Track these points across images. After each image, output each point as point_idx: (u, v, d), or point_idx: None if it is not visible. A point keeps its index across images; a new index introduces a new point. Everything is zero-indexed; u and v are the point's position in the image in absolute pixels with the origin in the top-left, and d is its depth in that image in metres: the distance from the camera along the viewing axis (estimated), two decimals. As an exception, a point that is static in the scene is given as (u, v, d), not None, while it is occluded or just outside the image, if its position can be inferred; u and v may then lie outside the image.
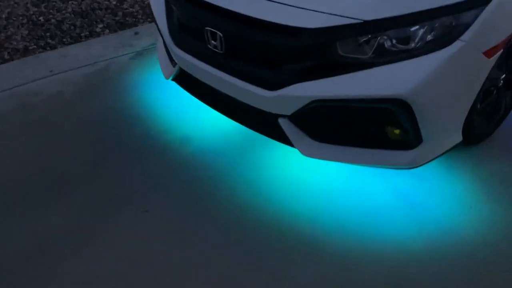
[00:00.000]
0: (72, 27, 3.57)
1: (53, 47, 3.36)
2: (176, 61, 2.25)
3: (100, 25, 3.60)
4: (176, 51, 2.17)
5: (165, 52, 2.58)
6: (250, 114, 1.97)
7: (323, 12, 1.67)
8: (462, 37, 1.60)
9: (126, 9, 3.81)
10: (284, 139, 1.90)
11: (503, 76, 2.07)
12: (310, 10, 1.69)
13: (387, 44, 1.65)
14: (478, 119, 2.02)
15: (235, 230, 1.84)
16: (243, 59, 1.88)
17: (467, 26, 1.61)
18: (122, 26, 3.60)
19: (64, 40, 3.44)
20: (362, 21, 1.63)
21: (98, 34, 3.51)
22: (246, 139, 2.32)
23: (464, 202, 1.89)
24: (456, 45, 1.61)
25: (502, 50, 1.78)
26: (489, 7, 1.62)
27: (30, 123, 2.58)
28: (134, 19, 3.68)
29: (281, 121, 1.87)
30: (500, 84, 2.09)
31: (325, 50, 1.69)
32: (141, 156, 2.27)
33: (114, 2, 3.89)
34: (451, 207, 1.88)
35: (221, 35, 1.87)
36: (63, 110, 2.68)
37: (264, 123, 1.95)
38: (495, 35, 1.71)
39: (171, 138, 2.38)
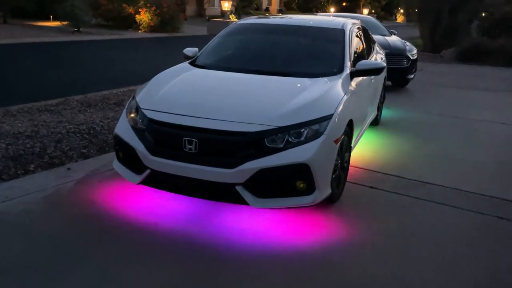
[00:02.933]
0: (7, 168, 4.21)
1: (-7, 183, 3.93)
2: (151, 166, 3.34)
3: (32, 165, 4.33)
4: (154, 159, 3.30)
5: (125, 168, 3.63)
6: (213, 188, 3.19)
7: (256, 123, 3.16)
8: (324, 132, 3.26)
9: (50, 153, 4.62)
10: (239, 199, 3.15)
11: (339, 161, 3.78)
12: (249, 123, 3.17)
13: (290, 138, 3.19)
14: (333, 185, 3.61)
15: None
16: (211, 153, 3.17)
17: (326, 127, 3.28)
18: (51, 165, 4.39)
19: (4, 177, 4.05)
20: (277, 127, 3.16)
21: (33, 172, 4.22)
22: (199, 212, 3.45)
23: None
24: (323, 136, 3.25)
25: (340, 142, 3.49)
26: (333, 118, 3.36)
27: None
28: (60, 160, 4.52)
29: (238, 187, 3.13)
30: (338, 166, 3.78)
31: (259, 143, 3.14)
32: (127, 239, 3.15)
33: (38, 149, 4.67)
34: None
35: (196, 141, 3.15)
36: (37, 220, 3.34)
37: (225, 192, 3.18)
38: (337, 132, 3.42)
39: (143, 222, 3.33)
